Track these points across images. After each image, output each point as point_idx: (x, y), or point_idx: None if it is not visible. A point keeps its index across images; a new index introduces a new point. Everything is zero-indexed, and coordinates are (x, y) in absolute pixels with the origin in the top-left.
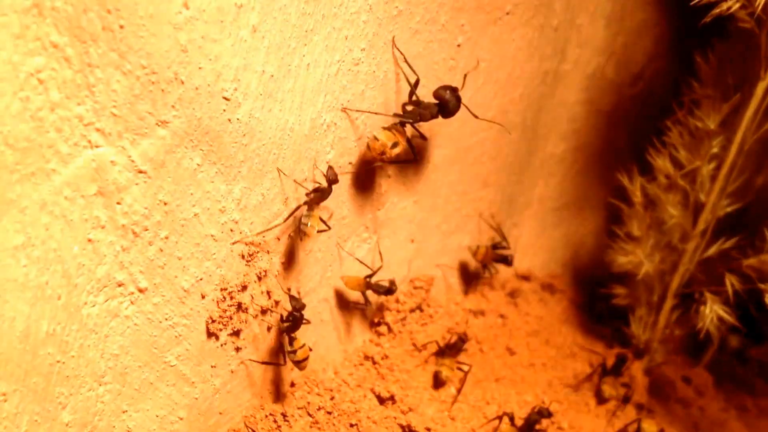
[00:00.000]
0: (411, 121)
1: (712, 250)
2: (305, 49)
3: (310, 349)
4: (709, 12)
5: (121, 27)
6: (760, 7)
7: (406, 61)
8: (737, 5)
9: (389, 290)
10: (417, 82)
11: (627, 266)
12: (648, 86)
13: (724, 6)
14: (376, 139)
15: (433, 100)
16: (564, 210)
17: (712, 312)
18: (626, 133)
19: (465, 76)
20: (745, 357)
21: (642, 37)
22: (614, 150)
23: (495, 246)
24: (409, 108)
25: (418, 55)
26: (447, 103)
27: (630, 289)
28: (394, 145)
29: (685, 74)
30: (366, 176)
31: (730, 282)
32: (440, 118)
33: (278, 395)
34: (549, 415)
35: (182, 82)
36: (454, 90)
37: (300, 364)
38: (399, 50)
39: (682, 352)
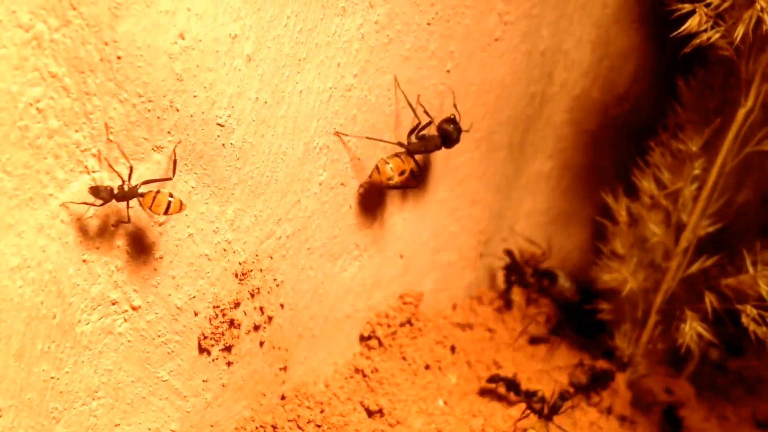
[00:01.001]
0: (417, 151)
1: (694, 268)
2: (298, 76)
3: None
4: (690, 41)
5: (119, 58)
6: (738, 38)
7: (409, 104)
8: (717, 35)
9: None
10: (429, 123)
11: (612, 283)
12: (632, 107)
13: (704, 36)
14: (386, 162)
15: (437, 133)
16: (551, 225)
17: (691, 329)
18: (611, 152)
19: (455, 106)
20: (725, 369)
21: (627, 61)
22: (600, 168)
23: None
24: (414, 140)
25: (408, 81)
26: (450, 135)
27: (614, 305)
28: (401, 172)
29: (668, 98)
30: (358, 195)
31: (709, 300)
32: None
33: (269, 408)
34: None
35: (177, 110)
36: (456, 123)
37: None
38: (402, 90)
39: (664, 363)
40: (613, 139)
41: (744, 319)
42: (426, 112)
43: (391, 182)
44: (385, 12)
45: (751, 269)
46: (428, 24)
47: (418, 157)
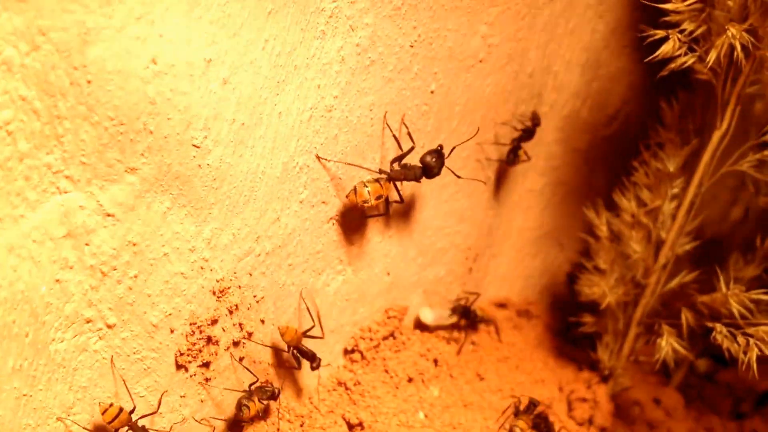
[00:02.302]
0: (397, 179)
1: (673, 284)
2: (277, 98)
3: None
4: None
5: (89, 82)
6: (711, 62)
7: (394, 136)
8: (692, 60)
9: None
10: (411, 149)
11: (592, 297)
12: (622, 127)
13: (679, 61)
14: (365, 185)
15: (419, 164)
16: (542, 241)
17: (667, 344)
18: (602, 170)
19: (453, 149)
20: (714, 380)
21: (616, 83)
22: (591, 186)
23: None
24: (396, 167)
25: (391, 102)
26: (431, 168)
27: (597, 318)
28: (378, 197)
29: (652, 119)
30: (340, 213)
31: (686, 317)
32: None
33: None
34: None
35: (151, 132)
36: (440, 154)
37: None
38: (388, 125)
39: (654, 373)
40: (604, 158)
41: (718, 336)
42: (409, 134)
43: (366, 205)
44: (366, 35)
45: (723, 288)
46: (411, 46)
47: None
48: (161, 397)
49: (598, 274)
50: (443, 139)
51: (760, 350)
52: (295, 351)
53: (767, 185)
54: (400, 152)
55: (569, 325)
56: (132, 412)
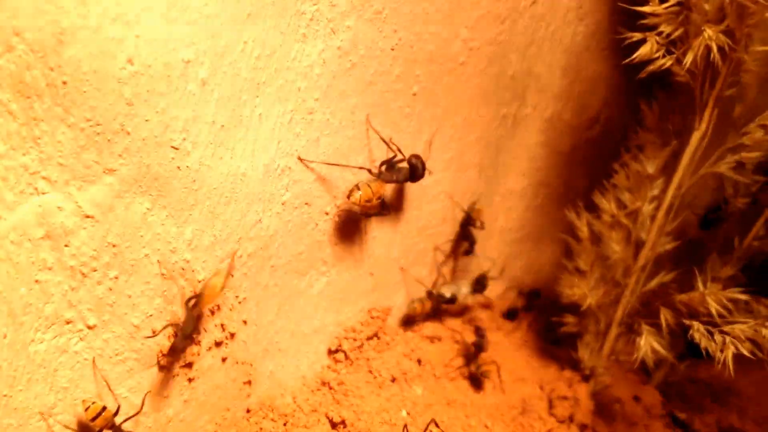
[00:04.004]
0: (387, 181)
1: (653, 284)
2: (257, 100)
3: None
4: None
5: (65, 83)
6: (688, 64)
7: (383, 139)
8: (669, 62)
9: None
10: (403, 160)
11: (573, 297)
12: (603, 130)
13: (658, 63)
14: (368, 185)
15: (405, 166)
16: (524, 242)
17: (646, 343)
18: (584, 172)
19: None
20: (694, 378)
21: (597, 85)
22: (573, 188)
23: (430, 293)
24: (384, 170)
25: (374, 104)
26: (416, 169)
27: (579, 318)
28: (379, 197)
29: (633, 121)
30: (324, 214)
31: (664, 317)
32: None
33: (233, 421)
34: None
35: (128, 133)
36: (422, 160)
37: None
38: (374, 128)
39: (635, 371)
40: (586, 160)
41: (696, 335)
42: (399, 150)
43: (368, 204)
44: (347, 38)
45: (701, 287)
46: (392, 49)
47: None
48: (144, 397)
49: (579, 275)
50: (425, 140)
51: (737, 348)
52: None
53: (745, 187)
54: (389, 156)
55: (551, 325)
56: (116, 413)
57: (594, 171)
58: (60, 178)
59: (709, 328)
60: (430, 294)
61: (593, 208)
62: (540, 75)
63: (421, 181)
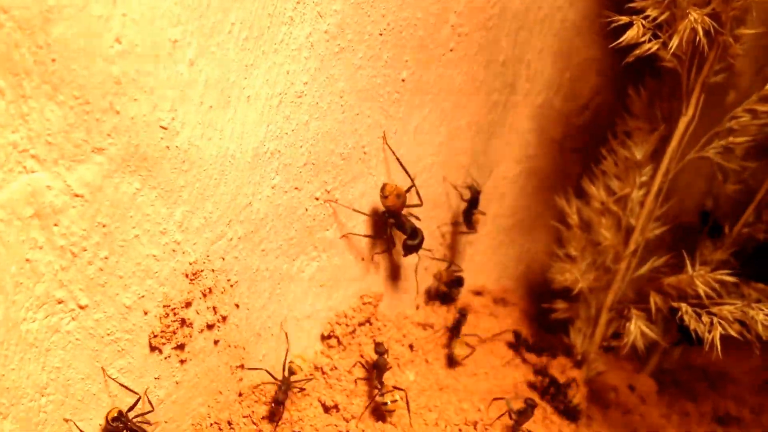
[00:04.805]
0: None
1: (644, 270)
2: (245, 82)
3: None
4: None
5: (53, 61)
6: (673, 47)
7: (398, 159)
8: (656, 46)
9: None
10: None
11: (565, 283)
12: (594, 116)
13: (645, 47)
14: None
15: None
16: (516, 229)
17: (636, 328)
18: (576, 159)
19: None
20: (689, 365)
21: (587, 72)
22: (564, 174)
23: (451, 267)
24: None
25: (363, 89)
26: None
27: (570, 304)
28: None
29: (620, 102)
30: (313, 199)
31: (654, 300)
32: None
33: (226, 404)
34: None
35: (117, 112)
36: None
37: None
38: (391, 148)
39: (629, 360)
40: (577, 147)
41: (685, 317)
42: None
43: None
44: (335, 22)
45: (689, 269)
46: (380, 34)
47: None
48: (145, 391)
49: (570, 262)
50: (415, 125)
51: (724, 329)
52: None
53: (735, 173)
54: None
55: (543, 311)
56: (131, 409)
57: (586, 158)
58: (49, 156)
59: (697, 309)
60: (448, 269)
61: (583, 195)
62: (530, 62)
63: (411, 167)
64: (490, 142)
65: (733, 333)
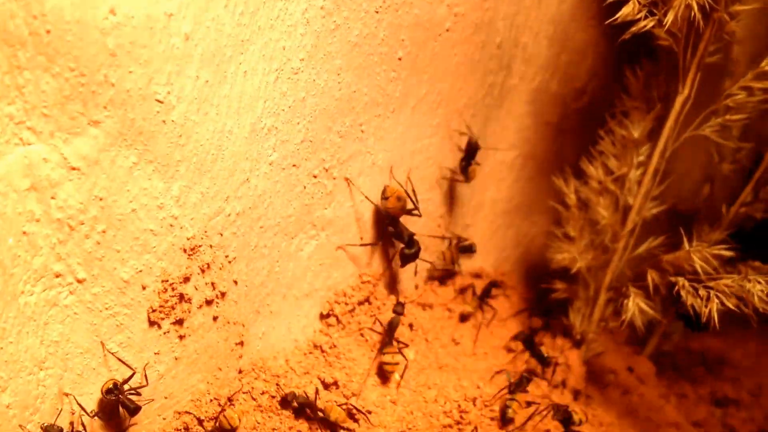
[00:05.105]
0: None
1: (642, 249)
2: (241, 57)
3: None
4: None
5: (48, 32)
6: (668, 23)
7: (411, 198)
8: (652, 23)
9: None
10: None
11: (563, 262)
12: (591, 100)
13: (641, 24)
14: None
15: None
16: (514, 212)
17: (634, 305)
18: (573, 143)
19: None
20: (687, 349)
21: (584, 55)
22: (562, 158)
23: (459, 241)
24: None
25: (359, 66)
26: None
27: (569, 284)
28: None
29: (619, 89)
30: (311, 177)
31: (651, 277)
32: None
33: (225, 381)
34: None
35: (112, 85)
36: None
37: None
38: (398, 183)
39: (627, 343)
40: (574, 131)
41: (682, 293)
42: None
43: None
44: None
45: (686, 245)
46: (376, 12)
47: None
48: (144, 367)
49: (568, 241)
50: (412, 105)
51: (721, 302)
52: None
53: (731, 153)
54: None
55: (541, 294)
56: (126, 381)
57: (584, 142)
58: (45, 129)
59: (695, 284)
60: (457, 241)
61: (581, 175)
62: (526, 45)
63: (408, 146)
64: (487, 125)
65: (730, 305)
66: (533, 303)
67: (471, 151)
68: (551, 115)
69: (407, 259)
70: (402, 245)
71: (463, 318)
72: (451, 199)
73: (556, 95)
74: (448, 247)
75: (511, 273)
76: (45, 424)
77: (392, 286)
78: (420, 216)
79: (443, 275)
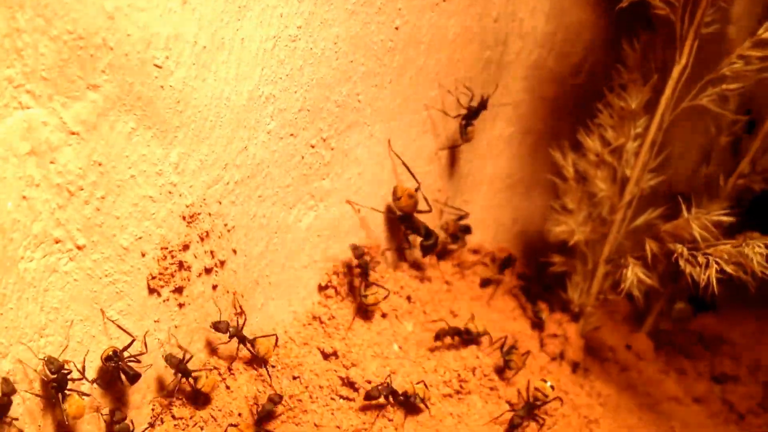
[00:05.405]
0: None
1: (640, 221)
2: (239, 23)
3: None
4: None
5: None
6: None
7: (405, 165)
8: None
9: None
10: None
11: (561, 235)
12: (588, 76)
13: None
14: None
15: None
16: (513, 189)
17: (633, 274)
18: (570, 119)
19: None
20: (684, 328)
21: (581, 31)
22: (558, 135)
23: (459, 218)
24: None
25: (356, 35)
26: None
27: (567, 258)
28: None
29: (615, 61)
30: (309, 146)
31: (650, 246)
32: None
33: (224, 350)
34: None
35: (111, 48)
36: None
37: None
38: (397, 155)
39: (625, 321)
40: (571, 108)
41: (681, 262)
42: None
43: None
44: None
45: (685, 213)
46: None
47: None
48: (144, 334)
49: (566, 214)
50: (410, 76)
51: (720, 268)
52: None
53: (728, 125)
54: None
55: (540, 269)
56: (126, 348)
57: (580, 119)
58: (44, 92)
59: (693, 252)
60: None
61: (578, 149)
62: (523, 20)
63: (405, 118)
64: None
65: (729, 270)
66: (532, 278)
67: (473, 111)
68: (548, 91)
69: (428, 250)
70: (420, 238)
71: (485, 283)
72: (450, 167)
73: (553, 72)
74: (449, 223)
75: (509, 249)
76: (47, 357)
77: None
78: (431, 211)
79: (442, 249)
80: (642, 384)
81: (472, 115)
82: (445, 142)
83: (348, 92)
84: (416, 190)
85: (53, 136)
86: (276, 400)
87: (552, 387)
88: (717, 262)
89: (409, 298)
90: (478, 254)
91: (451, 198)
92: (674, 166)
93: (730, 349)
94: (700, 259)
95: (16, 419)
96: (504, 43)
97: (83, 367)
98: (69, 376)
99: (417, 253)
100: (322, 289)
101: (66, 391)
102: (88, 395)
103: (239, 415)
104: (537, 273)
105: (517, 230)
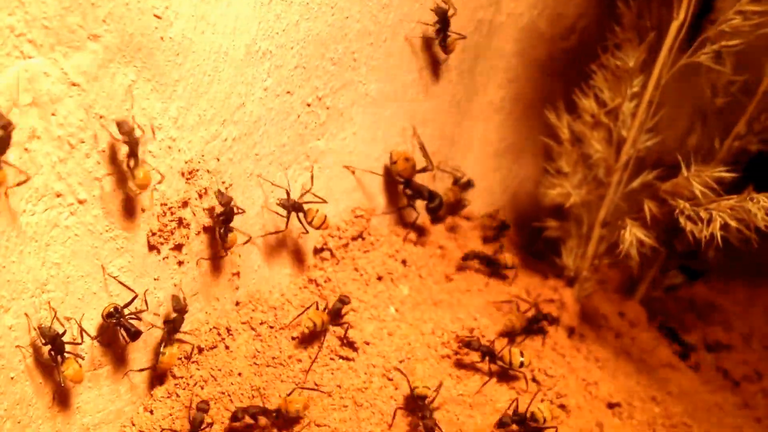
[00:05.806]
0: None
1: (636, 183)
2: None
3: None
4: None
5: None
6: None
7: (422, 148)
8: None
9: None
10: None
11: (557, 198)
12: (580, 39)
13: None
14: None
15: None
16: (504, 154)
17: (631, 235)
18: (562, 83)
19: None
20: (676, 297)
21: None
22: (550, 99)
23: (455, 181)
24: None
25: None
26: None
27: (561, 222)
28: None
29: (610, 25)
30: (305, 105)
31: (648, 207)
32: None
33: (223, 312)
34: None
35: None
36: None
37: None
38: (418, 136)
39: (618, 291)
40: (563, 71)
41: (681, 219)
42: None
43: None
44: None
45: (684, 171)
46: None
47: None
48: (144, 292)
49: (561, 176)
50: (404, 35)
51: (724, 221)
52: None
53: (723, 87)
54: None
55: (532, 236)
56: (127, 305)
57: (572, 83)
58: (45, 42)
59: (695, 208)
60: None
61: (573, 111)
62: None
63: (400, 79)
64: (477, 63)
65: (733, 224)
66: (525, 243)
67: (443, 22)
68: (539, 54)
69: (434, 211)
70: (425, 201)
71: (486, 240)
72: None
73: (545, 34)
74: (448, 193)
75: (501, 214)
76: (42, 325)
77: (385, 220)
78: (432, 170)
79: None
80: (637, 350)
81: (445, 25)
82: (437, 105)
83: (343, 50)
84: (425, 170)
85: (55, 87)
86: (204, 408)
87: (522, 362)
88: (721, 216)
89: (404, 262)
90: (469, 220)
91: (443, 162)
92: (665, 130)
93: (722, 317)
94: (703, 214)
95: None
96: (496, 3)
97: (81, 331)
98: (71, 339)
99: (414, 216)
100: (317, 251)
101: (65, 354)
102: (82, 358)
103: (239, 375)
104: (528, 239)
105: (509, 196)
